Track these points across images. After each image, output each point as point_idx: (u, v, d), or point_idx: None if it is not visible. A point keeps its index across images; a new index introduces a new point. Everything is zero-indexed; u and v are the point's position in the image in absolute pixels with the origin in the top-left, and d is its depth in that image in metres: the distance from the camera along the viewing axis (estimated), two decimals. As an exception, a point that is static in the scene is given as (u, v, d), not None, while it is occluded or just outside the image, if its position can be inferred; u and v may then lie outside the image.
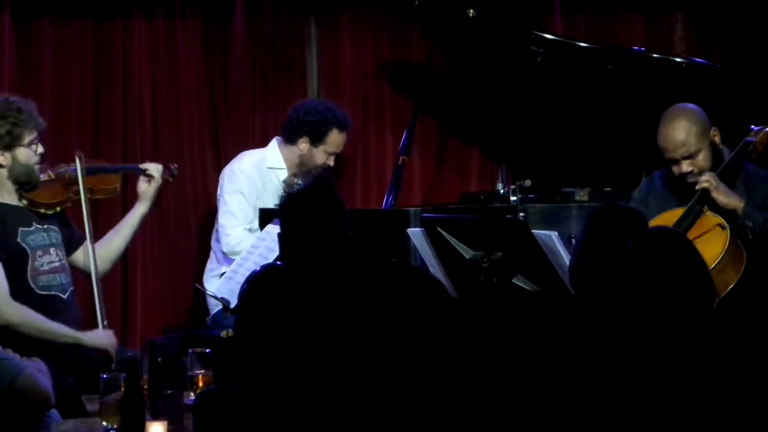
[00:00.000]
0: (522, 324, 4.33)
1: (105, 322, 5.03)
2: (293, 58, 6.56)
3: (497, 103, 6.34)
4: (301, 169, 5.99)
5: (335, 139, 5.99)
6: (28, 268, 4.95)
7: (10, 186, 5.01)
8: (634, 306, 3.48)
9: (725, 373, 3.34)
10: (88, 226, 5.07)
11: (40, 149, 5.03)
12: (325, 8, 6.61)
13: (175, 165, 5.47)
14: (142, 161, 6.15)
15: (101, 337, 4.95)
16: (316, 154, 5.98)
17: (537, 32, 5.97)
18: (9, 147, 4.97)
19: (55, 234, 5.07)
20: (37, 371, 4.11)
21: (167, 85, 6.38)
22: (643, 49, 6.21)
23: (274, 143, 6.07)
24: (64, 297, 5.03)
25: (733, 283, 4.59)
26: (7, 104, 4.99)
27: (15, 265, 4.92)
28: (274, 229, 4.93)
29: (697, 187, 4.73)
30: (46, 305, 4.94)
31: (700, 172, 4.81)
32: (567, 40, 6.14)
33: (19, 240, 4.95)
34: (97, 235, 5.21)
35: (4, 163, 4.98)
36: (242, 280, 3.47)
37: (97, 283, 5.06)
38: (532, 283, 4.66)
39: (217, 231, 5.99)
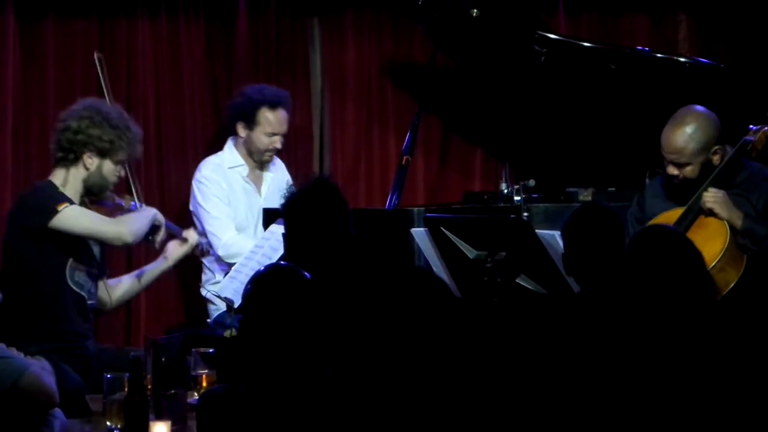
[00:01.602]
0: (526, 324, 4.33)
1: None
2: (297, 58, 6.56)
3: (501, 102, 6.33)
4: (254, 157, 5.98)
5: (269, 117, 5.93)
6: (72, 258, 5.01)
7: (80, 188, 5.06)
8: (634, 305, 3.48)
9: (726, 373, 3.34)
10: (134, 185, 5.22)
11: (122, 173, 5.13)
12: (328, 8, 6.60)
13: (207, 247, 5.64)
14: (146, 162, 6.18)
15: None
16: (256, 137, 5.94)
17: (540, 32, 5.98)
18: (102, 154, 5.03)
19: (98, 250, 5.15)
20: (42, 370, 4.12)
21: (171, 85, 6.38)
22: (646, 49, 6.20)
23: (228, 143, 6.05)
24: (88, 303, 5.08)
25: (734, 282, 4.59)
26: (122, 119, 5.11)
27: (66, 246, 5.00)
28: (278, 229, 4.92)
29: (705, 208, 4.74)
30: (75, 302, 4.99)
31: (685, 178, 4.82)
32: (570, 40, 6.14)
33: None
34: (112, 272, 5.39)
35: (89, 167, 5.04)
36: (246, 279, 3.48)
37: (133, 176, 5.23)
38: (536, 283, 4.66)
39: (201, 244, 5.98)
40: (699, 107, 4.90)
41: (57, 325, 4.97)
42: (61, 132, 5.06)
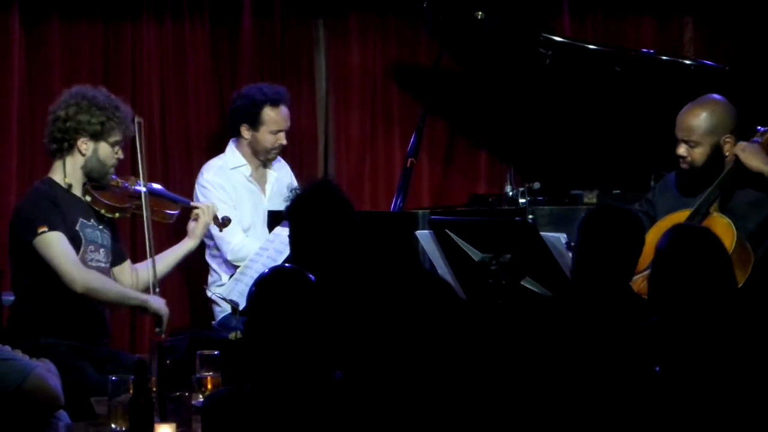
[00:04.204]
0: (531, 327, 4.33)
1: (158, 290, 5.08)
2: (301, 61, 6.56)
3: (506, 105, 6.33)
4: (259, 157, 5.99)
5: (272, 116, 5.93)
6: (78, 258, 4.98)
7: (80, 176, 5.05)
8: (666, 304, 3.48)
9: (730, 376, 3.35)
10: (147, 225, 5.08)
11: (120, 155, 5.10)
12: (333, 11, 6.61)
13: (227, 216, 5.47)
14: (151, 163, 6.18)
15: (161, 302, 5.05)
16: (261, 137, 5.94)
17: (545, 34, 5.97)
18: (95, 137, 5.01)
19: (107, 237, 5.13)
20: (47, 372, 4.12)
21: (176, 88, 6.38)
22: (651, 51, 6.20)
23: (230, 144, 6.05)
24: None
25: (741, 284, 4.59)
26: (108, 99, 5.08)
27: None
28: (282, 231, 4.93)
29: (733, 154, 4.78)
30: (86, 300, 4.97)
31: (692, 164, 4.84)
32: (575, 42, 6.14)
33: (77, 228, 5.00)
34: (136, 254, 5.41)
35: (85, 152, 5.03)
36: (251, 282, 3.48)
37: (152, 255, 5.10)
38: (541, 285, 4.66)
39: (209, 246, 5.96)
40: (717, 96, 4.94)
41: (74, 323, 4.96)
42: (51, 123, 5.06)
